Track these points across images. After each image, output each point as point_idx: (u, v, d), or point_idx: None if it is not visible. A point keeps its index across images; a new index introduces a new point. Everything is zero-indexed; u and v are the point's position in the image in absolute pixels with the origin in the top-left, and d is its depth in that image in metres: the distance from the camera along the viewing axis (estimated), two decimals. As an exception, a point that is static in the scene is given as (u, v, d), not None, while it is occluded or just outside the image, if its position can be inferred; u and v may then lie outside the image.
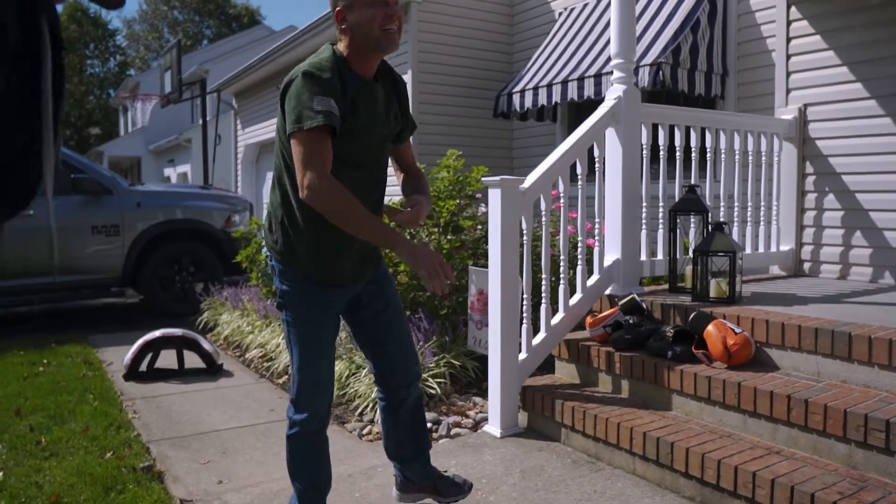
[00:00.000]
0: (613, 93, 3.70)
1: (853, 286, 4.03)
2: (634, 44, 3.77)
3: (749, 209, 4.31)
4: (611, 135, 3.70)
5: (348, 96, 2.06)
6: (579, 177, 3.63)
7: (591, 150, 3.68)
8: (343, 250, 2.17)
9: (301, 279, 2.17)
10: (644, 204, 3.82)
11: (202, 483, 2.99)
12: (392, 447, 2.53)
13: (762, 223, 4.39)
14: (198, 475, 3.09)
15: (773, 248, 4.45)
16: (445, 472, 2.61)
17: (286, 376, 4.72)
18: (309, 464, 2.30)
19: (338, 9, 2.09)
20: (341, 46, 2.13)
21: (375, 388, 2.52)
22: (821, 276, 4.42)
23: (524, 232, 3.40)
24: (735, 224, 4.24)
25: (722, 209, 4.16)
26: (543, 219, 3.47)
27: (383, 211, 2.36)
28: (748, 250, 4.29)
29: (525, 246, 3.41)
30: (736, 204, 4.24)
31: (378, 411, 2.57)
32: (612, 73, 3.78)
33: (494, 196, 3.31)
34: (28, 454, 3.35)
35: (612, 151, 3.70)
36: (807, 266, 4.50)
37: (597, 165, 3.69)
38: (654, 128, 3.94)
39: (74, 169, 6.83)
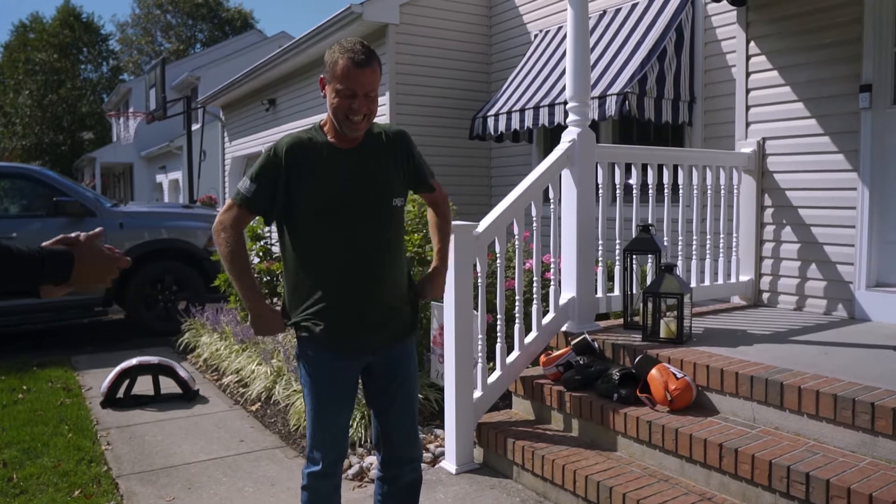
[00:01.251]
0: (569, 135, 3.81)
1: (806, 320, 4.14)
2: (589, 87, 3.87)
3: (709, 240, 4.42)
4: (566, 176, 3.81)
5: (301, 169, 2.19)
6: (534, 218, 3.73)
7: (546, 191, 3.78)
8: (327, 302, 2.20)
9: (310, 339, 2.25)
10: (600, 241, 3.93)
11: (164, 523, 3.10)
12: None
13: (721, 254, 4.50)
14: (161, 514, 3.19)
15: (733, 279, 4.57)
16: None
17: (259, 403, 4.83)
18: None
19: (321, 76, 2.22)
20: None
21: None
22: (778, 307, 4.53)
23: (479, 273, 3.51)
24: (694, 255, 4.35)
25: (680, 243, 4.27)
26: (499, 260, 3.57)
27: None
28: (707, 282, 4.40)
29: (480, 287, 3.52)
30: (695, 238, 4.35)
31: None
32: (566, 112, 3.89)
33: (449, 241, 3.41)
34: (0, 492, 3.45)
35: (568, 192, 3.81)
36: (765, 296, 4.62)
37: (552, 206, 3.79)
38: (612, 166, 4.04)
39: (57, 192, 6.93)
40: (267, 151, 2.23)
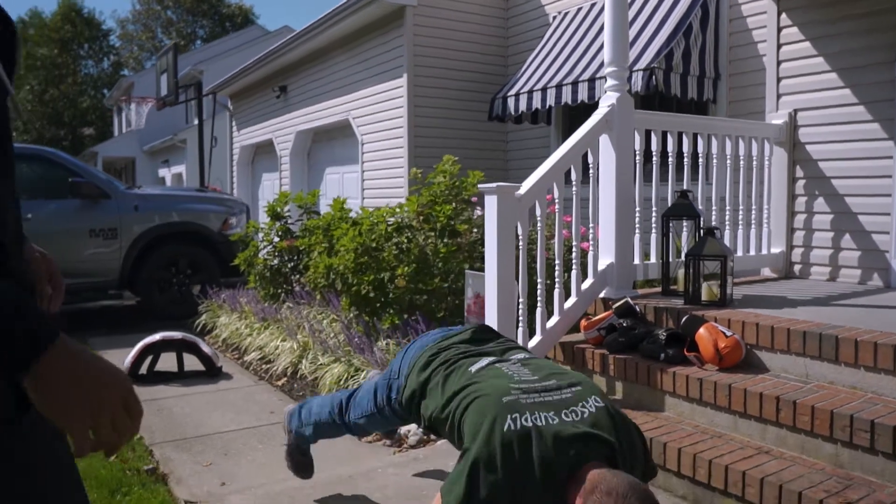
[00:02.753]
0: (607, 100, 3.78)
1: (842, 289, 4.11)
2: (627, 51, 3.85)
3: (741, 212, 4.39)
4: (604, 141, 3.77)
5: None
6: (574, 182, 3.70)
7: (585, 156, 3.75)
8: None
9: None
10: (637, 208, 3.90)
11: (205, 485, 3.05)
12: None
13: (753, 226, 4.47)
14: (200, 477, 3.15)
15: (765, 251, 4.54)
16: None
17: (285, 378, 4.78)
18: None
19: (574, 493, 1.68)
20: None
21: None
22: (811, 279, 4.51)
23: (520, 236, 3.47)
24: (727, 227, 4.32)
25: (714, 212, 4.24)
26: (539, 224, 3.54)
27: None
28: (739, 253, 4.37)
29: (521, 250, 3.48)
30: (728, 207, 4.32)
31: None
32: (605, 78, 3.86)
33: (491, 202, 3.38)
34: (33, 457, 3.39)
35: (606, 157, 3.78)
36: (797, 268, 4.59)
37: (591, 171, 3.76)
38: (647, 134, 4.01)
39: (72, 173, 6.88)
40: None
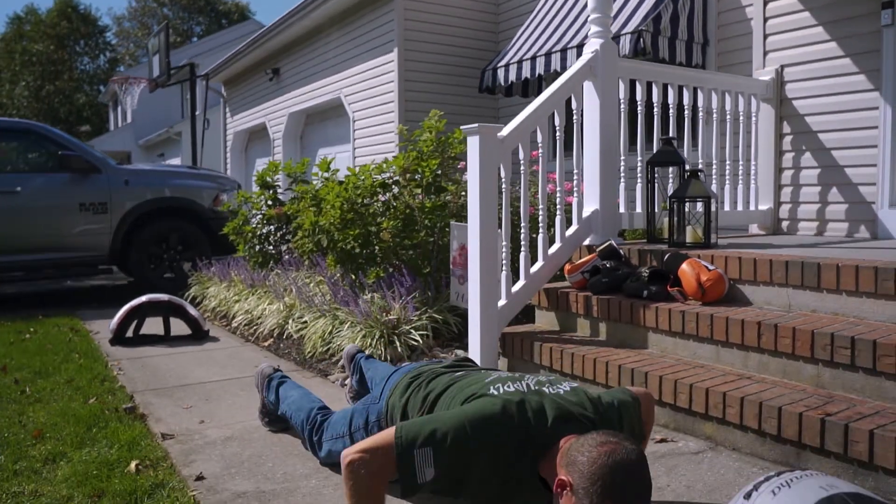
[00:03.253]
0: (591, 46, 3.76)
1: (829, 239, 4.09)
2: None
3: (727, 167, 4.37)
4: (588, 88, 3.75)
5: None
6: (557, 128, 3.68)
7: (568, 102, 3.73)
8: None
9: None
10: (622, 157, 3.87)
11: (184, 423, 3.03)
12: None
13: (741, 182, 4.45)
14: (180, 417, 3.12)
15: (752, 207, 4.51)
16: None
17: (271, 339, 4.75)
18: None
19: (561, 478, 1.61)
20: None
21: None
22: (798, 234, 4.49)
23: (503, 179, 3.45)
24: (714, 183, 4.29)
25: (700, 166, 4.21)
26: (522, 167, 3.52)
27: None
28: (727, 208, 4.35)
29: (504, 194, 3.46)
30: (714, 161, 4.29)
31: None
32: (590, 26, 3.83)
33: (473, 144, 3.36)
34: (12, 401, 3.37)
35: (590, 104, 3.75)
36: (785, 224, 4.57)
37: (574, 117, 3.74)
38: (633, 85, 3.99)
39: (62, 147, 6.85)
40: None
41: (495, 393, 1.89)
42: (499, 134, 3.39)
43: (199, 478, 2.39)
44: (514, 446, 1.76)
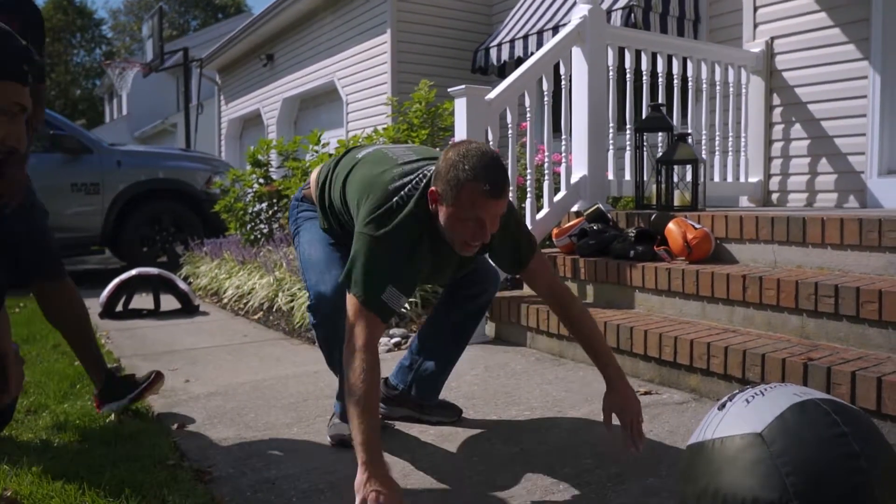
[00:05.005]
0: (579, 12, 3.75)
1: (819, 209, 4.09)
2: (600, -36, 3.81)
3: (717, 140, 4.36)
4: (577, 53, 3.74)
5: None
6: (545, 93, 3.67)
7: (557, 67, 3.72)
8: None
9: None
10: (611, 124, 3.86)
11: (169, 382, 3.00)
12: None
13: (731, 155, 4.44)
14: (166, 377, 3.10)
15: (742, 179, 4.51)
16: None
17: (261, 312, 4.74)
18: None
19: (432, 188, 1.75)
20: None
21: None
22: (788, 205, 4.49)
23: (490, 142, 3.44)
24: (703, 154, 4.29)
25: (690, 139, 4.20)
26: (510, 131, 3.51)
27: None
28: (717, 180, 4.34)
29: (492, 157, 3.45)
30: (704, 133, 4.29)
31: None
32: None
33: (460, 106, 3.35)
34: (-3, 364, 3.36)
35: (579, 70, 3.75)
36: (775, 196, 4.57)
37: (563, 83, 3.73)
38: (622, 53, 3.98)
39: (54, 127, 6.82)
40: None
41: (388, 184, 1.83)
42: (486, 97, 3.39)
43: (181, 426, 2.38)
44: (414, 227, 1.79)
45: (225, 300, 5.33)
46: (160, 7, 10.77)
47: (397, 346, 3.50)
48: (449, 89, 3.47)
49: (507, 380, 2.79)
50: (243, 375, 3.08)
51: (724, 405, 1.35)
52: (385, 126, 7.03)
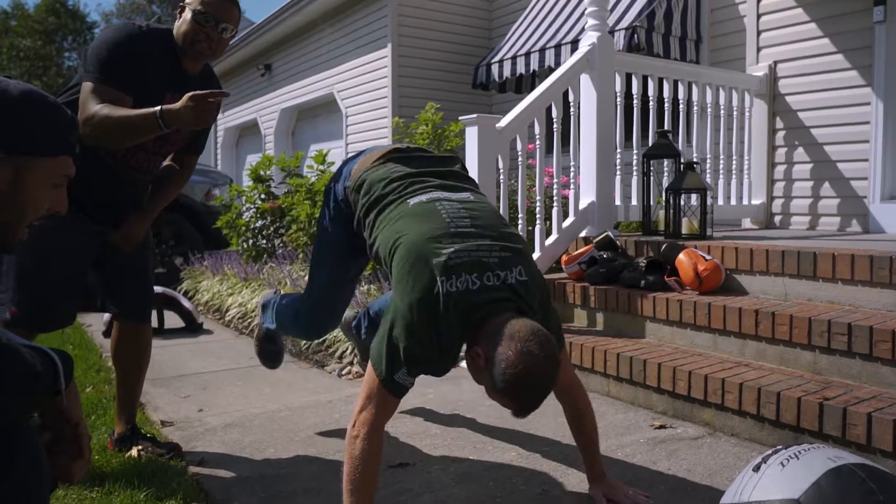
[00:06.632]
0: (588, 40, 3.78)
1: (822, 233, 4.14)
2: (609, -8, 3.85)
3: (721, 162, 4.41)
4: (585, 80, 3.78)
5: None
6: (555, 120, 3.70)
7: (566, 94, 3.75)
8: None
9: None
10: (619, 149, 3.90)
11: (182, 411, 3.02)
12: None
13: (734, 177, 4.49)
14: (178, 405, 3.11)
15: (745, 202, 4.56)
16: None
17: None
18: None
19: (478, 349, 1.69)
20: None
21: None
22: (791, 228, 4.54)
23: (500, 170, 3.46)
24: (707, 177, 4.33)
25: (695, 158, 4.25)
26: (520, 159, 3.54)
27: None
28: (721, 202, 4.39)
29: (502, 185, 3.48)
30: (708, 156, 4.33)
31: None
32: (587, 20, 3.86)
33: (472, 134, 3.37)
34: (7, 391, 3.35)
35: (587, 97, 3.78)
36: (777, 219, 4.62)
37: (571, 110, 3.76)
38: (629, 78, 4.02)
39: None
40: None
41: (442, 281, 1.70)
42: (497, 125, 3.41)
43: (201, 462, 2.39)
44: (459, 329, 1.71)
45: (228, 317, 5.33)
46: (158, 18, 10.72)
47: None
48: (460, 118, 3.49)
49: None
50: (256, 403, 3.09)
51: (758, 467, 1.37)
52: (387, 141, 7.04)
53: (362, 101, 7.89)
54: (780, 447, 1.41)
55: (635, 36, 5.23)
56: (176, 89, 2.22)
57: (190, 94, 2.03)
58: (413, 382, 1.77)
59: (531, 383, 1.59)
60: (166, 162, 2.52)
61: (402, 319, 1.70)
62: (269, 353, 2.88)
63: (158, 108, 2.06)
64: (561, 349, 1.87)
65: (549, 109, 3.68)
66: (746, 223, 4.70)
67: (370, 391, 1.74)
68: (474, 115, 3.34)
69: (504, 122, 3.44)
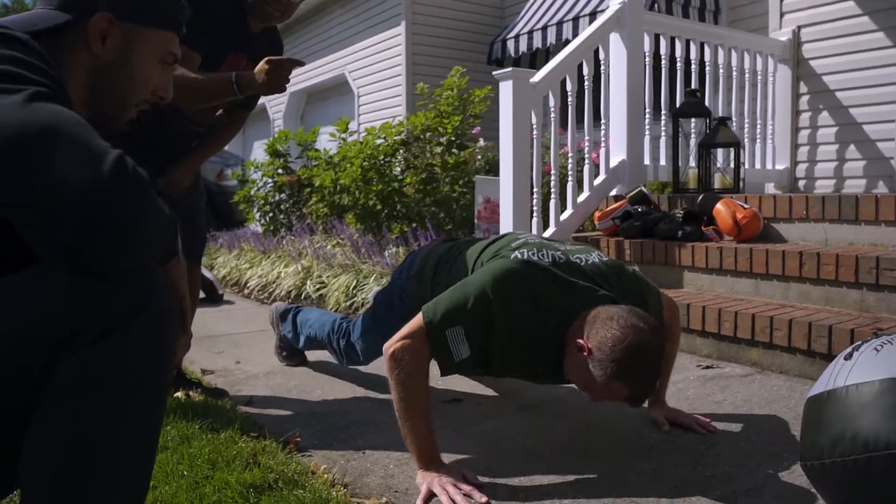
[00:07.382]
0: (617, -2, 3.77)
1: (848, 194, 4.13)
2: (638, -51, 3.84)
3: (745, 127, 4.40)
4: (615, 39, 3.77)
5: None
6: (586, 77, 3.69)
7: (596, 53, 3.74)
8: None
9: None
10: (648, 110, 3.89)
11: (220, 363, 3.01)
12: None
13: (758, 142, 4.48)
14: (214, 359, 3.10)
15: (769, 167, 4.55)
16: None
17: (288, 301, 4.72)
18: None
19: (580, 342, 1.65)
20: None
21: None
22: (815, 192, 4.53)
23: (534, 125, 3.45)
24: (733, 140, 4.33)
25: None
26: (553, 114, 3.53)
27: None
28: (746, 165, 4.37)
29: (535, 139, 3.47)
30: (733, 120, 4.32)
31: None
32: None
33: (506, 89, 3.36)
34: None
35: (617, 55, 3.77)
36: (801, 183, 4.61)
37: (602, 68, 3.75)
38: (657, 39, 4.01)
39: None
40: None
41: (519, 256, 1.74)
42: (531, 80, 3.40)
43: (249, 402, 2.38)
44: (534, 310, 1.67)
45: (248, 289, 5.31)
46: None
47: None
48: (494, 73, 3.47)
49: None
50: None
51: (850, 355, 1.37)
52: (406, 116, 7.04)
53: (375, 80, 7.87)
54: (869, 338, 1.40)
55: (655, 5, 5.22)
56: (239, 49, 2.21)
57: (267, 59, 2.00)
58: (462, 356, 1.64)
59: (641, 355, 1.55)
60: (218, 113, 2.50)
61: (483, 287, 1.66)
62: (292, 353, 2.89)
63: (233, 73, 2.03)
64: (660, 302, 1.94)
65: (580, 66, 3.67)
66: (769, 188, 4.69)
67: (410, 330, 1.67)
68: (509, 69, 3.32)
69: (538, 76, 3.43)
